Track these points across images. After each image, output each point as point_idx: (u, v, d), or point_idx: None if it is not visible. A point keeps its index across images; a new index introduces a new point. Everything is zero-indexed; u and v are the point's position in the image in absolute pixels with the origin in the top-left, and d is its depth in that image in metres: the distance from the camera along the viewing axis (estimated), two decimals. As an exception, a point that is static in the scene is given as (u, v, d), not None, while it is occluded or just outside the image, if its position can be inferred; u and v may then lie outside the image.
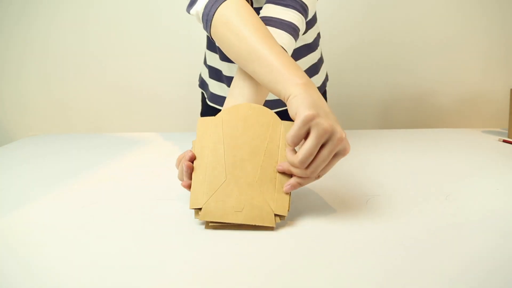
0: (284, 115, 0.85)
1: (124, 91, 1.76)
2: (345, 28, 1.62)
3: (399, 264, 0.39)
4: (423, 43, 1.65)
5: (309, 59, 0.99)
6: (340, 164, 0.72)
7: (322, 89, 1.07)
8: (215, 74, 1.02)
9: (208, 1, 0.57)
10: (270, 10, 0.62)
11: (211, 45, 1.02)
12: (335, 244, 0.43)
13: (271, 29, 0.60)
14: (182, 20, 1.65)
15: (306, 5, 0.63)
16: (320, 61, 1.05)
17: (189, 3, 0.62)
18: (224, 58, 0.98)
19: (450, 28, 1.62)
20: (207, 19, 0.58)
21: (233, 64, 0.97)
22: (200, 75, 1.10)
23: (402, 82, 1.70)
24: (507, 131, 1.01)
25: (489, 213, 0.51)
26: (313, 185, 0.62)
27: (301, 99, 0.46)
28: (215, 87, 1.02)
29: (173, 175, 0.68)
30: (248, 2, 0.63)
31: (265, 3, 0.64)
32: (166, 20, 1.66)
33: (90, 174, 0.69)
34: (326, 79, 1.10)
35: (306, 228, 0.47)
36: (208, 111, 1.08)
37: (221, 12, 0.55)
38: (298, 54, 0.96)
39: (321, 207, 0.54)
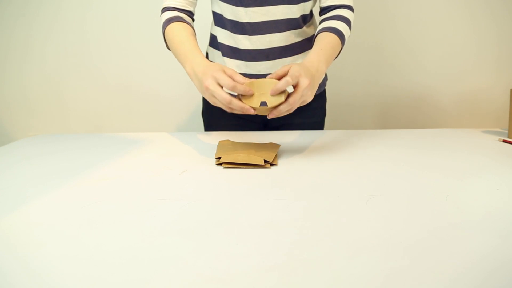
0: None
1: (124, 91, 1.76)
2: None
3: (399, 264, 0.39)
4: (423, 43, 1.65)
5: None
6: (341, 164, 0.72)
7: (322, 88, 1.08)
8: None
9: (163, 22, 0.91)
10: (331, 13, 0.92)
11: (213, 43, 1.03)
12: (335, 244, 0.43)
13: (332, 22, 0.88)
14: (182, 20, 1.65)
15: (351, 5, 0.93)
16: None
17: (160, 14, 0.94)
18: (226, 54, 0.99)
19: (450, 29, 1.62)
20: (162, 32, 0.92)
21: (236, 59, 0.98)
22: None
23: (402, 82, 1.70)
24: (507, 131, 1.01)
25: (489, 213, 0.51)
26: (313, 185, 0.62)
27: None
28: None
29: (173, 175, 0.68)
30: (188, 21, 0.91)
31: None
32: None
33: (90, 174, 0.69)
34: (326, 78, 1.10)
35: (306, 228, 0.47)
36: (208, 108, 1.08)
37: (167, 31, 0.90)
38: (300, 47, 0.98)
39: (321, 207, 0.54)
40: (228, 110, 0.72)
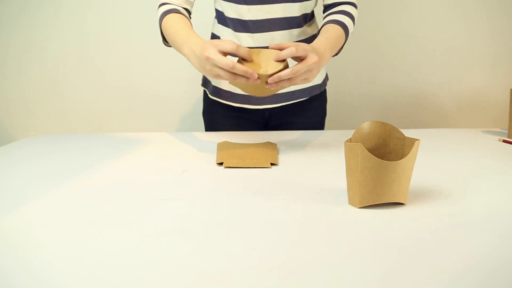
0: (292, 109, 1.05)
1: (124, 91, 1.76)
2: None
3: (399, 264, 0.39)
4: (423, 43, 1.65)
5: None
6: (341, 164, 0.72)
7: (323, 87, 1.08)
8: None
9: (160, 15, 0.91)
10: (336, 8, 0.94)
11: None
12: (334, 244, 0.43)
13: (337, 15, 0.90)
14: (182, 20, 1.65)
15: (354, 3, 0.95)
16: None
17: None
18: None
19: (451, 29, 1.62)
20: (159, 25, 0.91)
21: (235, 58, 0.98)
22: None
23: (402, 82, 1.70)
24: (507, 131, 1.01)
25: (489, 213, 0.51)
26: (313, 184, 0.62)
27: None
28: (217, 81, 1.03)
29: (173, 175, 0.68)
30: (185, 14, 0.92)
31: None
32: (166, 20, 1.66)
33: (90, 173, 0.69)
34: (326, 78, 1.10)
35: (306, 228, 0.47)
36: (209, 107, 1.09)
37: (163, 23, 0.89)
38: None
39: (321, 207, 0.54)
40: (230, 79, 0.70)
